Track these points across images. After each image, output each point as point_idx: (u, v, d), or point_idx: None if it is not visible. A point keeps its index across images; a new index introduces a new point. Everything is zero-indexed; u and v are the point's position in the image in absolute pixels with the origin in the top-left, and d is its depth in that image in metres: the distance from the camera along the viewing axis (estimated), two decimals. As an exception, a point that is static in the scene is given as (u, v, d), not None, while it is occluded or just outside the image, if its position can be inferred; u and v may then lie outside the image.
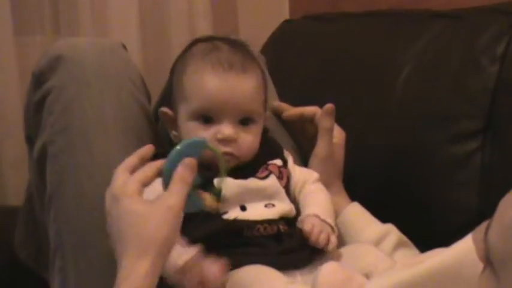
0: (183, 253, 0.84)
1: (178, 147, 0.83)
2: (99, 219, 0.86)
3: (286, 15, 1.78)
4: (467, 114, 1.14)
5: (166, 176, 0.82)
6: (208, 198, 0.85)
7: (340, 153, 1.08)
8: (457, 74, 1.16)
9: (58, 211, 0.96)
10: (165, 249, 0.78)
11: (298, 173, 1.01)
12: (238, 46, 0.98)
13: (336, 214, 1.02)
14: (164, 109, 0.99)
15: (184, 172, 0.80)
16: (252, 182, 0.94)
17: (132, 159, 0.84)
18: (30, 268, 1.13)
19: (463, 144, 1.14)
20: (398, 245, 1.03)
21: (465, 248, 0.71)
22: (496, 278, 0.62)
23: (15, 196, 1.39)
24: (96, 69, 0.97)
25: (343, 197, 1.08)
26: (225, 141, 0.92)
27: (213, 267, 0.84)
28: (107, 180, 0.83)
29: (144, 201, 0.79)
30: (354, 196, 1.10)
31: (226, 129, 0.92)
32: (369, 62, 1.27)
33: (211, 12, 1.65)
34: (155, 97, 1.14)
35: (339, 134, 1.08)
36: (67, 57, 0.96)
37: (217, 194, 0.86)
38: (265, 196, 0.94)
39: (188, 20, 1.62)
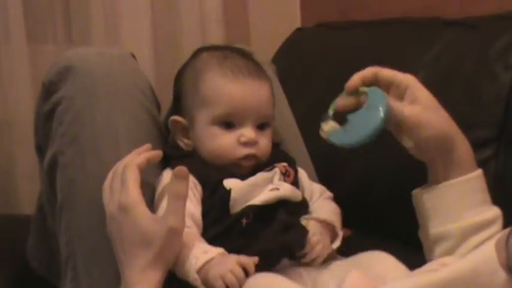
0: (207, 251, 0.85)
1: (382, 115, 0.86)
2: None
3: (298, 24, 1.78)
4: (481, 122, 1.13)
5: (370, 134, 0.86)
6: (330, 125, 0.91)
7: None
8: (470, 83, 1.15)
9: (69, 221, 0.96)
10: (170, 264, 0.84)
11: (315, 186, 1.03)
12: (246, 55, 1.00)
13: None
14: (175, 117, 0.99)
15: (177, 186, 0.83)
16: (259, 175, 0.95)
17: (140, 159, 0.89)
18: (43, 276, 1.13)
19: (477, 153, 1.11)
20: None
21: (485, 256, 0.71)
22: None
23: (29, 205, 1.39)
24: (105, 79, 0.97)
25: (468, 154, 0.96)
26: (248, 143, 0.94)
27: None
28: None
29: (150, 217, 0.84)
30: (365, 201, 1.09)
31: (248, 132, 0.94)
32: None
33: (224, 21, 1.65)
34: (167, 106, 1.14)
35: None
36: (76, 67, 0.97)
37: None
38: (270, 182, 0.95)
39: (200, 29, 1.63)
